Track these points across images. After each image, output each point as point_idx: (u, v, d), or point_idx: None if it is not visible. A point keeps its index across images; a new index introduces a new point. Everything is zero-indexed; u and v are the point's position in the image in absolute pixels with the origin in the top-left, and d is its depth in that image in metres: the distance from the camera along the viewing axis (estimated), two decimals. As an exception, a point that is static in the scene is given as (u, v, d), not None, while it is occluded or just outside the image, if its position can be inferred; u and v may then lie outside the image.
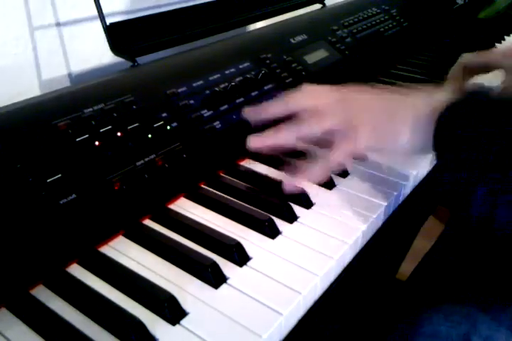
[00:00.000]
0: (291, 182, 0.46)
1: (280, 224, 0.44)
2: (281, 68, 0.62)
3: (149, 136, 0.46)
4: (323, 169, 0.45)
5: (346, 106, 0.47)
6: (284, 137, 0.46)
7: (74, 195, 0.39)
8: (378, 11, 0.87)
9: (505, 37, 0.99)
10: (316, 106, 0.47)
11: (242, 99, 0.55)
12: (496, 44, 0.94)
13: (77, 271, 0.39)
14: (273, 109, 0.49)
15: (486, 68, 0.68)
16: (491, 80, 0.68)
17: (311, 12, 0.80)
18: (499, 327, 0.45)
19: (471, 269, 0.53)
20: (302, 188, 0.47)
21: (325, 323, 0.51)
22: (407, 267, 0.85)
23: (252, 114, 0.50)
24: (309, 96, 0.49)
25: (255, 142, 0.47)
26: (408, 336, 0.47)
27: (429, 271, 0.57)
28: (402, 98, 0.47)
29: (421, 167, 0.53)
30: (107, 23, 0.52)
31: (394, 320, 0.50)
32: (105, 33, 0.52)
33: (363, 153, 0.52)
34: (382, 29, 0.83)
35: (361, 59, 0.75)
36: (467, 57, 0.68)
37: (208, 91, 0.53)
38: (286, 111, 0.48)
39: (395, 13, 0.88)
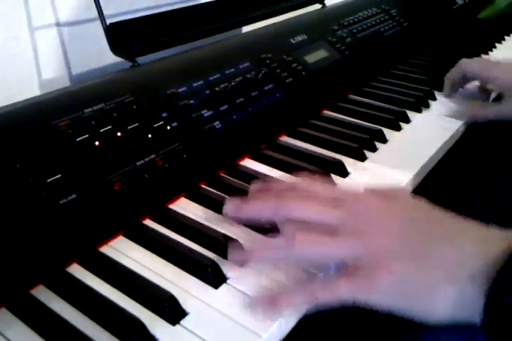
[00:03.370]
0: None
1: (280, 224, 0.44)
2: (281, 68, 0.62)
3: (149, 136, 0.46)
4: (305, 299, 0.34)
5: (365, 226, 0.35)
6: (273, 255, 0.37)
7: (74, 195, 0.39)
8: (378, 11, 0.87)
9: (505, 37, 0.99)
10: (320, 219, 0.36)
11: (242, 99, 0.55)
12: (496, 44, 0.94)
13: (77, 271, 0.39)
14: (258, 211, 0.39)
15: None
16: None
17: (311, 12, 0.80)
18: None
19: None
20: None
21: (325, 323, 0.51)
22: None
23: (231, 210, 0.41)
24: (307, 203, 0.37)
25: (235, 260, 0.38)
26: None
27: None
28: (441, 230, 0.35)
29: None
30: (107, 23, 0.52)
31: (393, 324, 0.49)
32: (105, 33, 0.52)
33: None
34: (382, 29, 0.83)
35: (361, 59, 0.75)
36: (468, 66, 0.68)
37: (208, 91, 0.53)
38: (275, 219, 0.38)
39: (394, 13, 0.88)
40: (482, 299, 0.30)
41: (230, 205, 0.41)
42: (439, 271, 0.32)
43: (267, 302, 0.34)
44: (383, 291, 0.33)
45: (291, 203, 0.37)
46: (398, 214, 0.36)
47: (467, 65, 0.68)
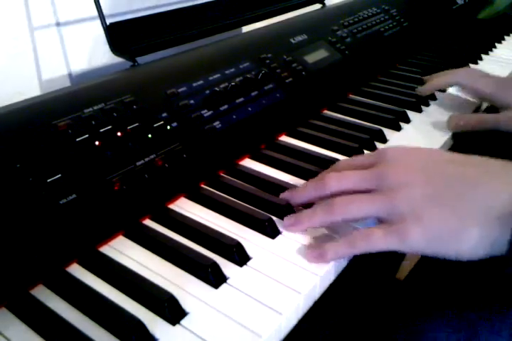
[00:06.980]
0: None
1: (280, 224, 0.44)
2: (281, 68, 0.62)
3: (149, 136, 0.46)
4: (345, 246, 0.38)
5: (390, 180, 0.38)
6: (319, 221, 0.41)
7: (74, 195, 0.39)
8: (378, 11, 0.87)
9: (505, 37, 0.99)
10: (351, 188, 0.40)
11: (242, 99, 0.55)
12: (496, 44, 0.94)
13: (77, 271, 0.39)
14: (305, 196, 0.44)
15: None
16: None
17: (311, 12, 0.80)
18: (500, 333, 0.45)
19: (470, 273, 0.52)
20: None
21: (325, 323, 0.51)
22: (406, 266, 0.85)
23: (288, 198, 0.46)
24: (343, 177, 0.42)
25: (290, 227, 0.43)
26: None
27: (427, 272, 0.56)
28: (472, 175, 0.37)
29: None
30: (107, 23, 0.52)
31: (393, 324, 0.49)
32: (105, 33, 0.52)
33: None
34: (382, 29, 0.83)
35: (361, 59, 0.75)
36: (460, 81, 0.64)
37: (207, 91, 0.53)
38: (321, 196, 0.43)
39: (395, 13, 0.88)
40: (508, 235, 0.33)
41: (284, 195, 0.46)
42: (471, 215, 0.35)
43: (316, 251, 0.39)
44: (416, 239, 0.35)
45: (329, 180, 0.42)
46: (429, 163, 0.39)
47: (459, 79, 0.65)
